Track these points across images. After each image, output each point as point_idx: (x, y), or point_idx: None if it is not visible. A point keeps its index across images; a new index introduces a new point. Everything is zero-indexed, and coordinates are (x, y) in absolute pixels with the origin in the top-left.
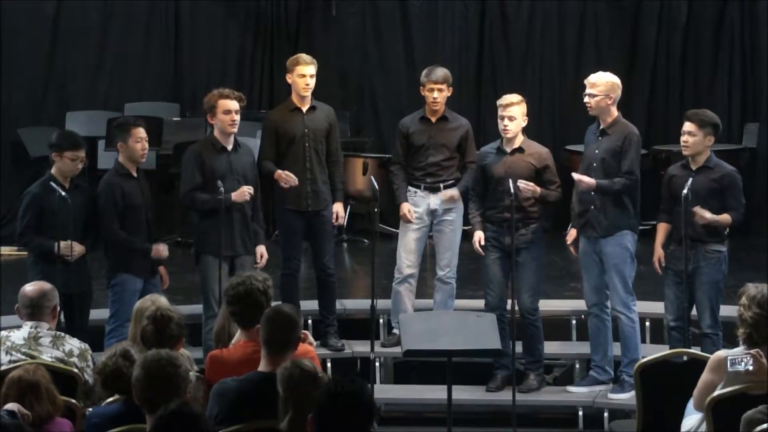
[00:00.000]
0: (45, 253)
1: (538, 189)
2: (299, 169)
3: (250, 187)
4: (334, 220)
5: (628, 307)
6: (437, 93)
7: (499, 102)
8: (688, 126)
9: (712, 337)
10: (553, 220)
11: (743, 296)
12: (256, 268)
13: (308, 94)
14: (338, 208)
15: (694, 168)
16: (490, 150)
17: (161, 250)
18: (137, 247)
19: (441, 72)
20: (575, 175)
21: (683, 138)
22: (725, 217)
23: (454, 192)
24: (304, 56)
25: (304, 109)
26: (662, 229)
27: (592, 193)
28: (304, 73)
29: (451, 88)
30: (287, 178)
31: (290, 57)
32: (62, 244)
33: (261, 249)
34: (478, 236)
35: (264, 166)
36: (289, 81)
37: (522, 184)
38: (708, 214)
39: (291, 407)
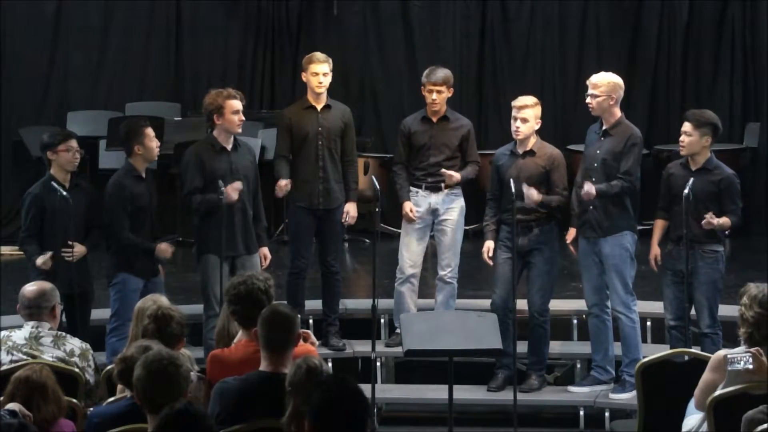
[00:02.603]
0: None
1: (537, 197)
2: (312, 167)
3: (239, 183)
4: (345, 220)
5: (629, 307)
6: (436, 94)
7: (514, 103)
8: (685, 125)
9: (712, 337)
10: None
11: (744, 296)
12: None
13: (322, 91)
14: (351, 207)
15: (693, 168)
16: (505, 152)
17: (164, 249)
18: (144, 248)
19: (441, 73)
20: (584, 189)
21: (681, 138)
22: (725, 221)
23: (454, 174)
24: (318, 54)
25: (319, 107)
26: (659, 226)
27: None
28: (317, 71)
29: (451, 89)
30: (281, 187)
31: (291, 57)
32: (39, 260)
33: (264, 251)
34: (488, 246)
35: (277, 166)
36: (304, 79)
37: (524, 188)
38: (715, 220)
39: (293, 403)
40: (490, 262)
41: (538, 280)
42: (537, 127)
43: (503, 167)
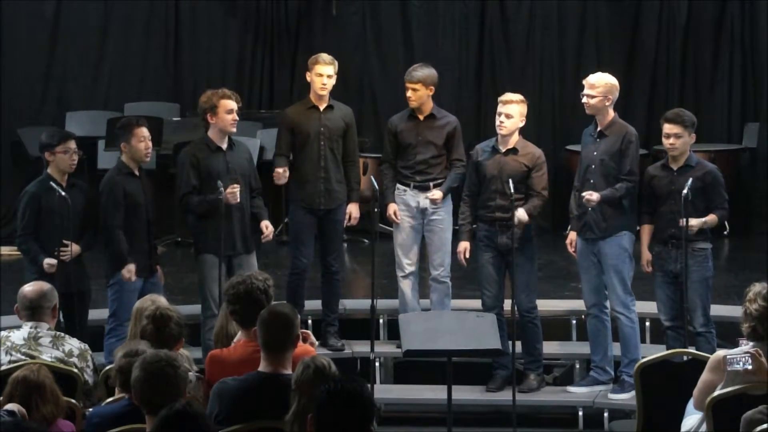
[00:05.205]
0: (37, 264)
1: (524, 216)
2: (314, 167)
3: (235, 185)
4: (347, 221)
5: (628, 307)
6: (411, 92)
7: (500, 98)
8: (673, 128)
9: (706, 336)
10: (552, 221)
11: (749, 293)
12: (264, 240)
13: (325, 93)
14: (353, 208)
15: (675, 168)
16: (485, 148)
17: (129, 272)
18: (119, 254)
19: (418, 73)
20: (584, 196)
21: (669, 141)
22: (712, 218)
23: (437, 195)
24: (324, 56)
25: (321, 107)
26: (647, 231)
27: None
28: (322, 73)
29: (431, 87)
30: (279, 174)
31: (289, 57)
32: (46, 263)
33: (264, 222)
34: (464, 246)
35: (274, 159)
36: (308, 79)
37: (515, 220)
38: (697, 222)
39: (297, 403)
40: (464, 263)
41: (521, 279)
42: (521, 124)
43: (482, 163)
